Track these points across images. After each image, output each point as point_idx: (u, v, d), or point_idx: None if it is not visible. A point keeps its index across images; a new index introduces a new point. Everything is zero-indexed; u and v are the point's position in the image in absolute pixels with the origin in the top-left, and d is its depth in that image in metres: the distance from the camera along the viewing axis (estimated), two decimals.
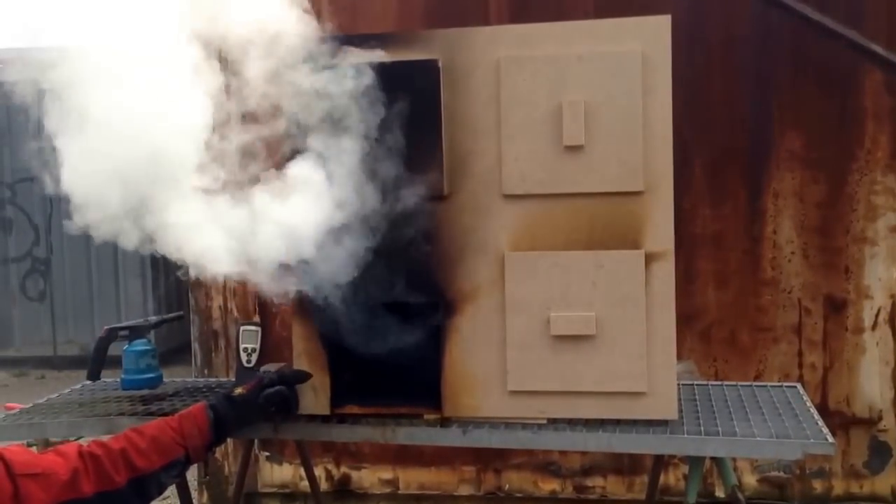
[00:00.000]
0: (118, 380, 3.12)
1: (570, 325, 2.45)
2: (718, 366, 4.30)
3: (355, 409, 2.59)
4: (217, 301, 4.48)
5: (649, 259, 2.42)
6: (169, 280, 9.64)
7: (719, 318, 4.29)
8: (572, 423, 2.50)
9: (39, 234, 9.71)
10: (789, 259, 4.22)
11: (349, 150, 2.44)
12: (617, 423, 2.47)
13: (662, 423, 2.45)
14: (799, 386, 2.94)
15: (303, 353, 2.60)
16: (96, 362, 3.06)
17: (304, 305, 2.57)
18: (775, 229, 4.23)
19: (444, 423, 2.55)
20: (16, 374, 9.46)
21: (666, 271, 2.43)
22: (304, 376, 2.57)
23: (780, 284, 4.24)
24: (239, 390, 2.46)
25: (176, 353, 7.97)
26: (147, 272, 9.50)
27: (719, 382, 3.08)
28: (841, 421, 4.21)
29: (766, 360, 4.28)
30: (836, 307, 4.22)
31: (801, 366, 4.25)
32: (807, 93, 4.14)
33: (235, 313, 4.47)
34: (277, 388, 2.49)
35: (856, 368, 4.22)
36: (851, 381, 4.23)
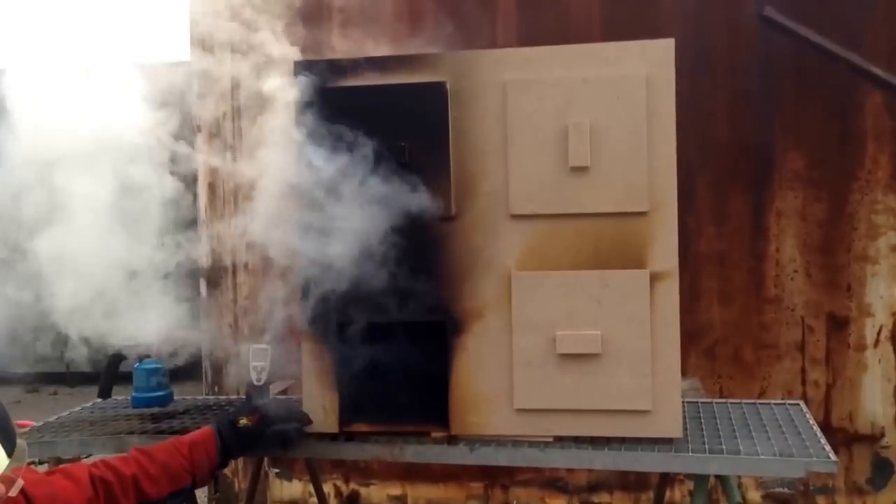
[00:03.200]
0: (129, 398, 3.15)
1: (575, 344, 2.48)
2: (723, 382, 4.32)
3: (363, 427, 2.62)
4: (227, 319, 4.51)
5: (654, 278, 2.46)
6: (182, 296, 9.65)
7: (724, 335, 4.32)
8: (578, 440, 2.52)
9: None
10: (792, 277, 4.25)
11: (359, 170, 2.49)
12: (622, 441, 2.50)
13: (667, 441, 2.48)
14: (802, 403, 2.97)
15: (312, 372, 2.63)
16: (107, 380, 3.09)
17: (314, 324, 2.61)
18: (778, 248, 4.26)
19: (452, 440, 2.57)
20: (29, 390, 9.51)
21: (670, 290, 2.46)
22: (309, 419, 2.60)
23: (783, 302, 4.27)
24: (244, 421, 2.47)
25: (188, 370, 7.99)
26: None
27: (724, 400, 3.11)
28: (844, 438, 4.23)
29: (770, 377, 4.30)
30: (838, 325, 4.25)
31: (804, 383, 4.27)
32: (808, 114, 4.19)
33: (246, 332, 4.50)
34: (291, 426, 2.53)
35: (858, 385, 4.25)
36: (854, 397, 4.26)
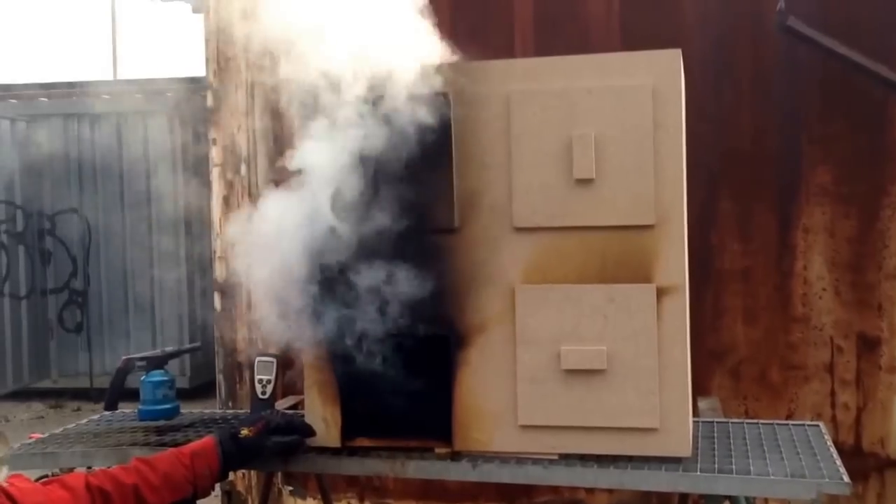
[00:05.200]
0: (136, 410, 3.14)
1: (581, 360, 2.43)
2: (749, 404, 4.20)
3: (366, 442, 2.58)
4: (241, 333, 4.50)
5: (661, 293, 2.39)
6: (205, 311, 9.71)
7: (749, 355, 4.21)
8: (584, 458, 2.46)
9: (77, 265, 9.86)
10: (820, 296, 4.14)
11: (361, 182, 2.46)
12: (629, 460, 2.43)
13: (675, 461, 2.41)
14: (821, 425, 2.87)
15: (314, 385, 2.60)
16: (113, 393, 3.09)
17: (316, 337, 2.58)
18: (806, 265, 4.15)
19: (455, 457, 2.52)
20: (52, 405, 9.57)
21: (678, 306, 2.40)
22: (311, 431, 2.56)
23: (811, 321, 4.15)
24: (245, 431, 2.44)
25: (211, 386, 8.02)
26: (184, 304, 9.57)
27: (740, 420, 3.02)
28: (875, 463, 4.09)
29: (798, 399, 4.18)
30: (868, 345, 4.12)
31: (833, 405, 4.15)
32: (836, 128, 4.09)
33: (260, 345, 4.48)
34: (291, 438, 2.50)
35: (890, 408, 4.11)
36: (886, 421, 4.11)
